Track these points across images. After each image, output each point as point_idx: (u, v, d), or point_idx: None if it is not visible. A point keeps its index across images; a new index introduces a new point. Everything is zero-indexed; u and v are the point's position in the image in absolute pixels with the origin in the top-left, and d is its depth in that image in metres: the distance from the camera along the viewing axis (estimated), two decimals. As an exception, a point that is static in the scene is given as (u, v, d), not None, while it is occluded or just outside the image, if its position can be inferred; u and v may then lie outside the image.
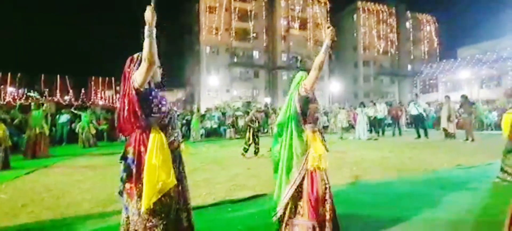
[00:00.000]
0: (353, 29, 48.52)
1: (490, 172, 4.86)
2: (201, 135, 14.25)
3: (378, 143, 10.76)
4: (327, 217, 2.29)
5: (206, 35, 37.68)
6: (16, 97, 33.45)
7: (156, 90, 2.05)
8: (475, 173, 5.17)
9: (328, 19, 41.69)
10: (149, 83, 1.98)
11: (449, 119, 10.94)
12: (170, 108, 2.10)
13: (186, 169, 2.22)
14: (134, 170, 1.94)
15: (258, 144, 7.71)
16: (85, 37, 79.24)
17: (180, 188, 2.09)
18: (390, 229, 2.71)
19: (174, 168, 2.01)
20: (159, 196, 1.91)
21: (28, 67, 56.49)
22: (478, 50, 29.83)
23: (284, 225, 2.36)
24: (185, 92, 44.72)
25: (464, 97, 11.05)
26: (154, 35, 1.82)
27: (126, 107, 1.91)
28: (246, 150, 7.59)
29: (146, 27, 1.80)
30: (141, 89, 1.91)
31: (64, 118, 13.01)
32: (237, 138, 13.88)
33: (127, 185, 1.97)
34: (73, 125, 12.80)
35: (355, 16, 48.44)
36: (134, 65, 1.97)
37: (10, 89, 35.32)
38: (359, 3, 47.79)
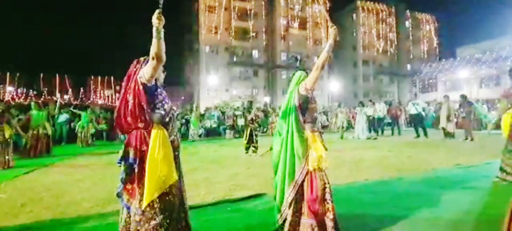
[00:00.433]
0: (353, 29, 48.55)
1: (489, 171, 4.87)
2: (200, 135, 14.23)
3: (377, 142, 10.76)
4: (327, 216, 2.29)
5: (205, 35, 37.65)
6: (14, 97, 33.41)
7: (160, 88, 2.11)
8: (474, 172, 5.18)
9: (328, 18, 41.59)
10: (155, 80, 2.04)
11: (448, 118, 10.95)
12: (171, 108, 2.13)
13: (183, 169, 2.23)
14: (136, 170, 1.94)
15: (256, 143, 7.74)
16: (84, 37, 79.25)
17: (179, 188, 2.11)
18: (390, 228, 2.71)
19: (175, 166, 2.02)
20: (161, 192, 1.92)
21: (27, 66, 56.41)
22: (477, 49, 29.89)
23: (288, 225, 2.36)
24: (185, 92, 44.69)
25: (464, 97, 11.09)
26: (162, 36, 1.87)
27: (131, 101, 1.95)
28: (247, 148, 7.68)
29: (154, 29, 1.84)
30: (148, 84, 1.96)
31: (63, 117, 12.97)
32: (236, 137, 13.89)
33: (129, 186, 1.98)
34: (72, 124, 12.79)
35: (354, 15, 48.47)
36: (140, 66, 2.01)
37: (9, 88, 35.28)
38: (358, 2, 47.80)
